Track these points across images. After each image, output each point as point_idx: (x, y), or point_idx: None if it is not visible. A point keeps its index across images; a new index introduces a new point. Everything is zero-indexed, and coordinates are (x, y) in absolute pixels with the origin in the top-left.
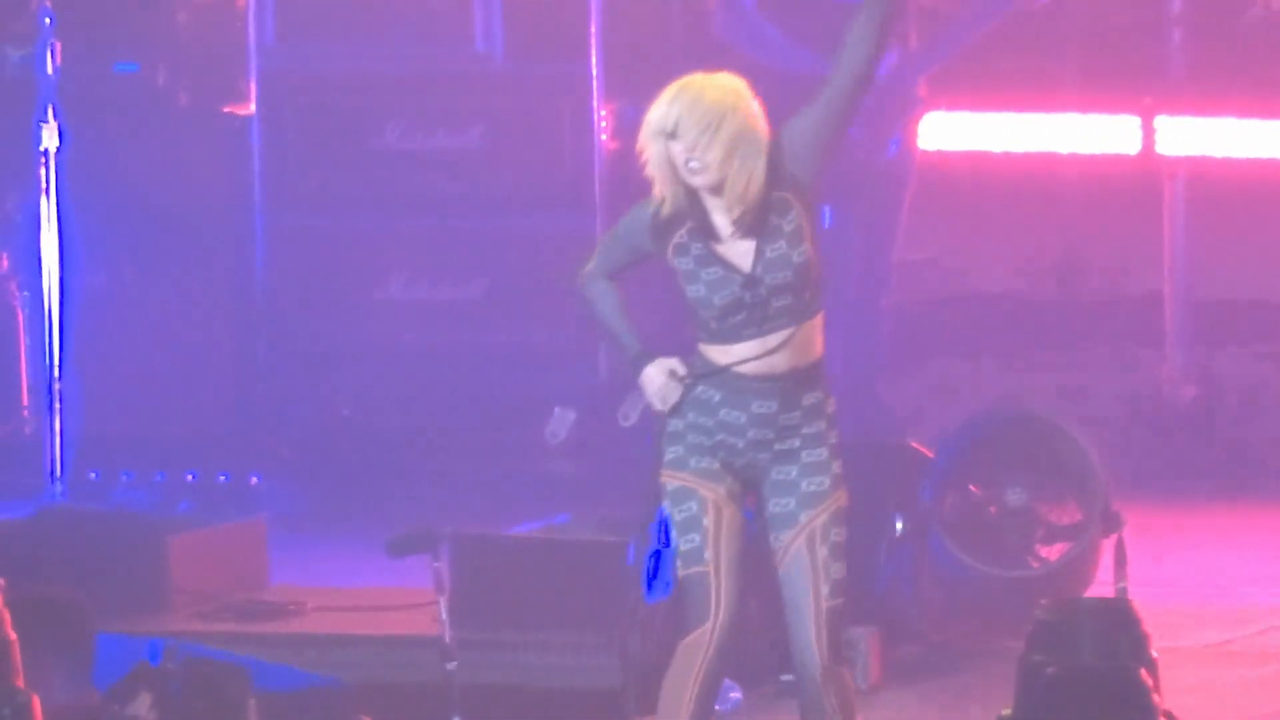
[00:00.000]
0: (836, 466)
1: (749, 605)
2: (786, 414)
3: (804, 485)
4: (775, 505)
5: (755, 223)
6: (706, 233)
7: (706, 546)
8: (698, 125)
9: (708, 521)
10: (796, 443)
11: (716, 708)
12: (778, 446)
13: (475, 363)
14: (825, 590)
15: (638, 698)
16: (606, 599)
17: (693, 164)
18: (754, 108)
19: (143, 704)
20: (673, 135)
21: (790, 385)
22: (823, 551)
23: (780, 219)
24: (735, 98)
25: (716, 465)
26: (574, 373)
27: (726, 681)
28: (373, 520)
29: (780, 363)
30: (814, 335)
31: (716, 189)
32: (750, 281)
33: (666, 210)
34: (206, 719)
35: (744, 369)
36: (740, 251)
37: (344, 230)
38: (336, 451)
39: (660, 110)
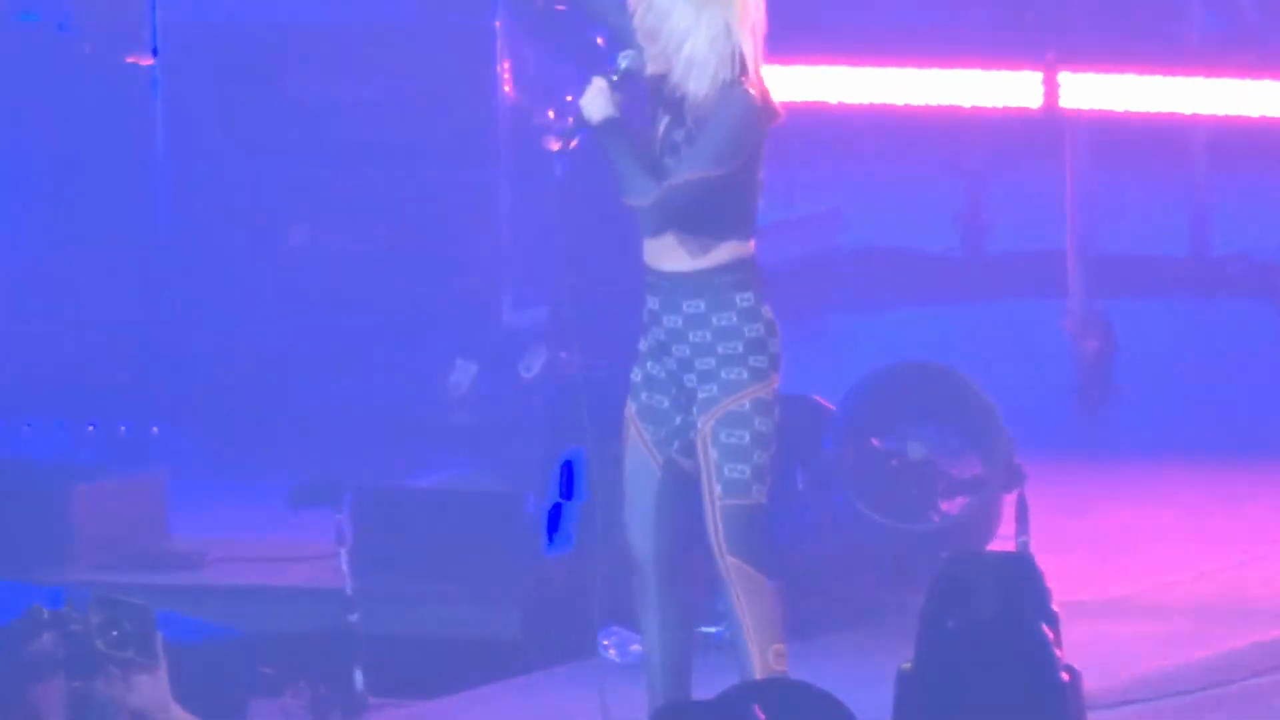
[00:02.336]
0: (729, 373)
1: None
2: (669, 315)
3: (699, 393)
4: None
5: (680, 114)
6: (660, 105)
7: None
8: (637, 7)
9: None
10: (687, 350)
11: (618, 659)
12: (677, 352)
13: (377, 313)
14: (718, 489)
15: (538, 649)
16: (507, 550)
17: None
18: (706, 4)
19: (47, 642)
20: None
21: (670, 286)
22: (714, 454)
23: (692, 130)
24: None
25: (667, 403)
26: (476, 324)
27: (627, 633)
28: (274, 471)
29: (661, 257)
30: (697, 247)
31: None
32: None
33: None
34: (115, 650)
35: (646, 256)
36: (659, 133)
37: (247, 179)
38: (237, 402)
39: None
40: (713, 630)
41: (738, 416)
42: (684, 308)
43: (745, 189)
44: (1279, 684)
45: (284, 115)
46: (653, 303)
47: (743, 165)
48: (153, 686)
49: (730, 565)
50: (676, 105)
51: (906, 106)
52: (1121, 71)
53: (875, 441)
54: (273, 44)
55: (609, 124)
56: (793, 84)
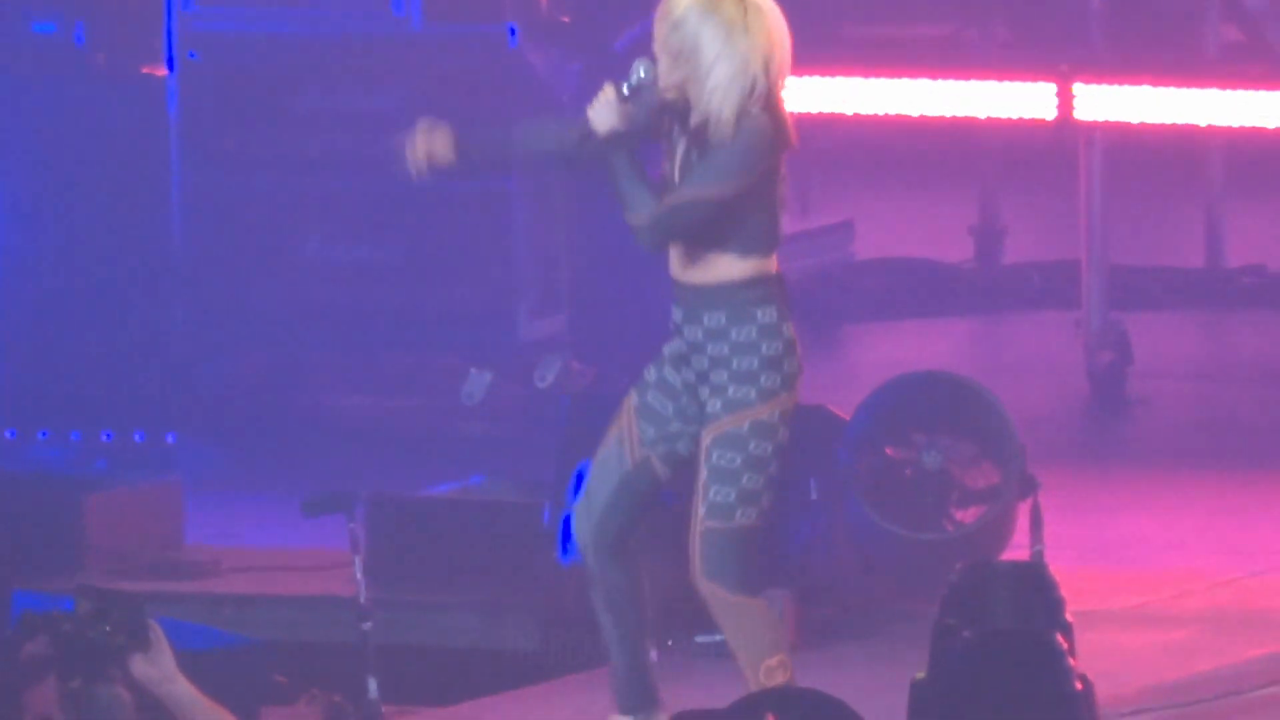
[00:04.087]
0: (737, 391)
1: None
2: (690, 327)
3: (706, 407)
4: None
5: (700, 137)
6: (677, 126)
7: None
8: (660, 27)
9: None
10: (705, 363)
11: None
12: (696, 363)
13: (391, 323)
14: (701, 511)
15: (553, 658)
16: (522, 560)
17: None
18: (733, 34)
19: (40, 645)
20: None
21: (692, 298)
22: (704, 474)
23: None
24: (709, 16)
25: (670, 409)
26: (490, 334)
27: None
28: (289, 480)
29: (685, 269)
30: (720, 260)
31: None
32: (670, 184)
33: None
34: (107, 644)
35: (670, 267)
36: (678, 154)
37: (261, 191)
38: (253, 411)
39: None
40: (721, 637)
41: (734, 438)
42: (705, 320)
43: (762, 208)
44: None
45: (297, 126)
46: (676, 314)
47: (755, 186)
48: (150, 661)
49: (705, 589)
50: (694, 127)
51: (921, 118)
52: (1136, 83)
53: (889, 451)
54: (286, 55)
55: (614, 137)
56: (807, 95)
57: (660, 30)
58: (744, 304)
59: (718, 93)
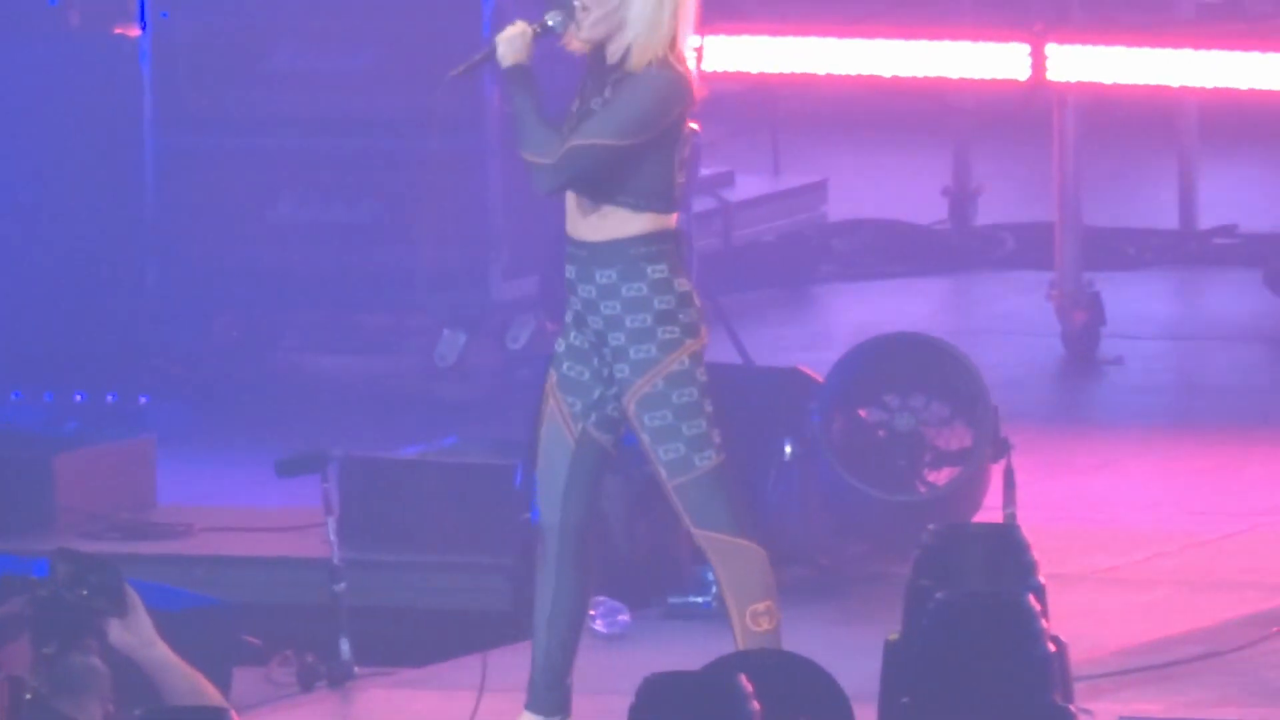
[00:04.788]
0: (638, 351)
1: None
2: (583, 285)
3: (615, 371)
4: None
5: (602, 83)
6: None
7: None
8: None
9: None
10: (600, 323)
11: (605, 630)
12: (592, 323)
13: (364, 284)
14: (663, 474)
15: (525, 619)
16: (494, 521)
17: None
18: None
19: (16, 605)
20: None
21: (585, 255)
22: (645, 438)
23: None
24: None
25: (587, 375)
26: (464, 295)
27: (614, 604)
28: (261, 441)
29: (580, 226)
30: (614, 216)
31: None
32: (569, 126)
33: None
34: (84, 609)
35: (566, 225)
36: (578, 103)
37: (234, 150)
38: (225, 372)
39: None
40: (700, 600)
41: (654, 398)
42: (597, 277)
43: (660, 164)
44: (1267, 655)
45: (270, 86)
46: (570, 271)
47: (656, 140)
48: (128, 627)
49: (700, 537)
50: (603, 74)
51: (894, 78)
52: (1110, 44)
53: (862, 413)
54: (259, 15)
55: (518, 70)
56: (780, 56)
57: None
58: (635, 260)
59: (629, 35)
